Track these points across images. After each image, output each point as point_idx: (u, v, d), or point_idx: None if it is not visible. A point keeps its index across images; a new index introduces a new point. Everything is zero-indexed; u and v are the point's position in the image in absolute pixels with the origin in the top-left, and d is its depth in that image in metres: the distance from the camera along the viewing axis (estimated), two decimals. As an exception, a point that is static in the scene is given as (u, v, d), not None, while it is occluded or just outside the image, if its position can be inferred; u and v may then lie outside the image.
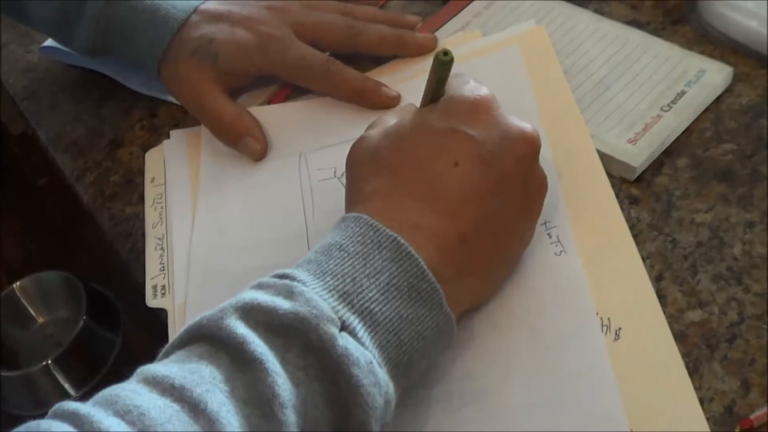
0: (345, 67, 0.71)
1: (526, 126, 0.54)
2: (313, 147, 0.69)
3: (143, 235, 0.69)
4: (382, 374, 0.46)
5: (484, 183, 0.52)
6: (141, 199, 0.72)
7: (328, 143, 0.69)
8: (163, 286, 0.64)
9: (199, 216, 0.67)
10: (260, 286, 0.48)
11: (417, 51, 0.73)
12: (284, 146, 0.70)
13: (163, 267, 0.65)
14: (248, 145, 0.69)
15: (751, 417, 0.51)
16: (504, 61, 0.69)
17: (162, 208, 0.69)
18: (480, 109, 0.54)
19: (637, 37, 0.70)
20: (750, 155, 0.63)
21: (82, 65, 0.82)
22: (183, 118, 0.76)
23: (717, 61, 0.67)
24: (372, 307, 0.47)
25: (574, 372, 0.53)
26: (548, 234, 0.59)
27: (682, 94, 0.65)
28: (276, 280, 0.48)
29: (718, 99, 0.66)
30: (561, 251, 0.58)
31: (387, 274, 0.48)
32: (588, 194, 0.61)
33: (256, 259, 0.63)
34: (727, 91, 0.66)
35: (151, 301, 0.63)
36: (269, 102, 0.74)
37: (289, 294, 0.46)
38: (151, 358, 0.47)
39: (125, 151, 0.76)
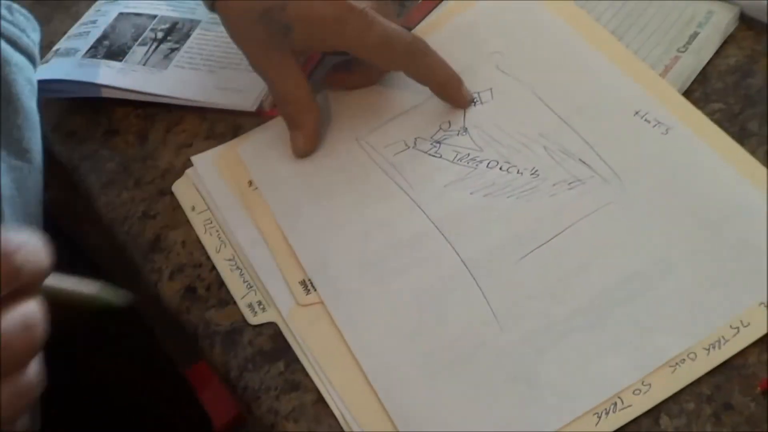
0: (429, 50, 0.67)
1: None
2: (365, 131, 0.70)
3: (139, 218, 0.70)
4: None
5: None
6: (136, 184, 0.72)
7: (379, 123, 0.70)
8: (260, 302, 0.63)
9: (286, 226, 0.66)
10: None
11: None
12: (335, 137, 0.70)
13: (250, 285, 0.64)
14: (297, 140, 0.68)
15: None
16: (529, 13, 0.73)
17: (218, 231, 0.67)
18: None
19: (640, -10, 0.74)
20: (738, 113, 0.64)
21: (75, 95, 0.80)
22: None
23: (723, 3, 0.70)
24: None
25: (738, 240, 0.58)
26: (645, 120, 0.64)
27: (695, 35, 0.69)
28: None
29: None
30: (667, 129, 0.63)
31: None
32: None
33: (378, 242, 0.63)
34: (715, 53, 0.68)
35: (253, 319, 0.62)
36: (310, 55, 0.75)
37: None
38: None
39: (121, 139, 0.76)
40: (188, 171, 0.72)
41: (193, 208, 0.69)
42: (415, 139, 0.68)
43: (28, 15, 0.71)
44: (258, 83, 0.73)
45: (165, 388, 1.00)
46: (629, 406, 0.53)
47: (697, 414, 0.52)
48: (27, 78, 0.66)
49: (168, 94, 0.76)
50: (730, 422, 0.51)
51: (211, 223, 0.68)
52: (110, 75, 0.78)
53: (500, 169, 0.64)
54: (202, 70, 0.77)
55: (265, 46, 0.66)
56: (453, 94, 0.68)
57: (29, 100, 0.66)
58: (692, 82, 0.66)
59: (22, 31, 0.69)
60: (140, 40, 0.81)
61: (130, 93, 0.77)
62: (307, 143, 0.68)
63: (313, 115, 0.68)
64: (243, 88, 0.75)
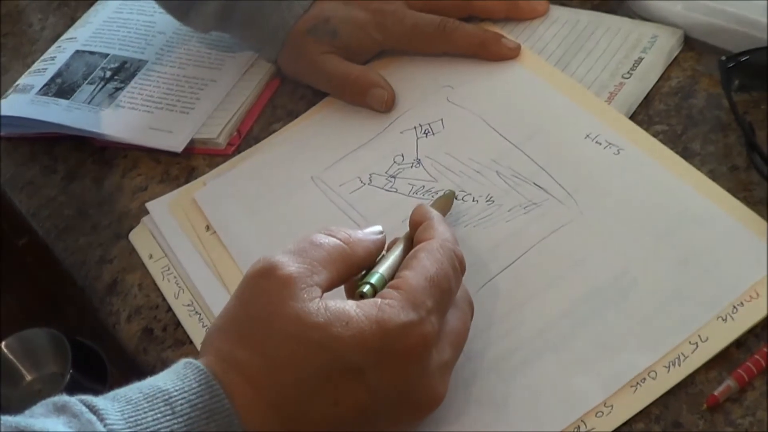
0: (461, 23, 0.73)
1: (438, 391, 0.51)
2: (320, 168, 0.70)
3: (96, 262, 0.71)
4: None
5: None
6: (93, 229, 0.73)
7: (333, 160, 0.70)
8: None
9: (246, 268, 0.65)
10: (63, 410, 0.44)
11: (530, 14, 0.75)
12: (290, 176, 0.71)
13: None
14: (376, 95, 0.72)
15: (716, 393, 0.52)
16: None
17: (176, 277, 0.67)
18: (411, 358, 0.49)
19: (585, 16, 0.74)
20: (680, 134, 0.64)
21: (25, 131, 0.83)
22: (132, 149, 0.77)
23: (667, 26, 0.71)
24: None
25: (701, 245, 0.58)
26: (597, 142, 0.64)
27: (639, 60, 0.70)
28: (84, 411, 0.43)
29: (647, 83, 0.69)
30: (618, 150, 0.63)
31: None
32: None
33: None
34: (656, 74, 0.69)
35: None
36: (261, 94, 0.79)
37: None
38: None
39: (78, 185, 0.77)
40: (144, 219, 0.72)
41: (151, 256, 0.69)
42: (370, 174, 0.68)
43: None
44: (187, 125, 0.75)
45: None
46: (592, 429, 0.53)
47: (647, 434, 0.52)
48: None
49: (104, 132, 0.77)
50: (680, 441, 0.51)
51: (169, 269, 0.68)
52: (55, 113, 0.80)
53: (455, 198, 0.65)
54: (140, 110, 0.79)
55: (315, 53, 0.74)
56: (493, 49, 0.72)
57: None
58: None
59: None
60: (89, 78, 0.83)
61: (72, 130, 0.79)
62: (385, 91, 0.72)
63: (375, 72, 0.74)
64: (174, 130, 0.76)
